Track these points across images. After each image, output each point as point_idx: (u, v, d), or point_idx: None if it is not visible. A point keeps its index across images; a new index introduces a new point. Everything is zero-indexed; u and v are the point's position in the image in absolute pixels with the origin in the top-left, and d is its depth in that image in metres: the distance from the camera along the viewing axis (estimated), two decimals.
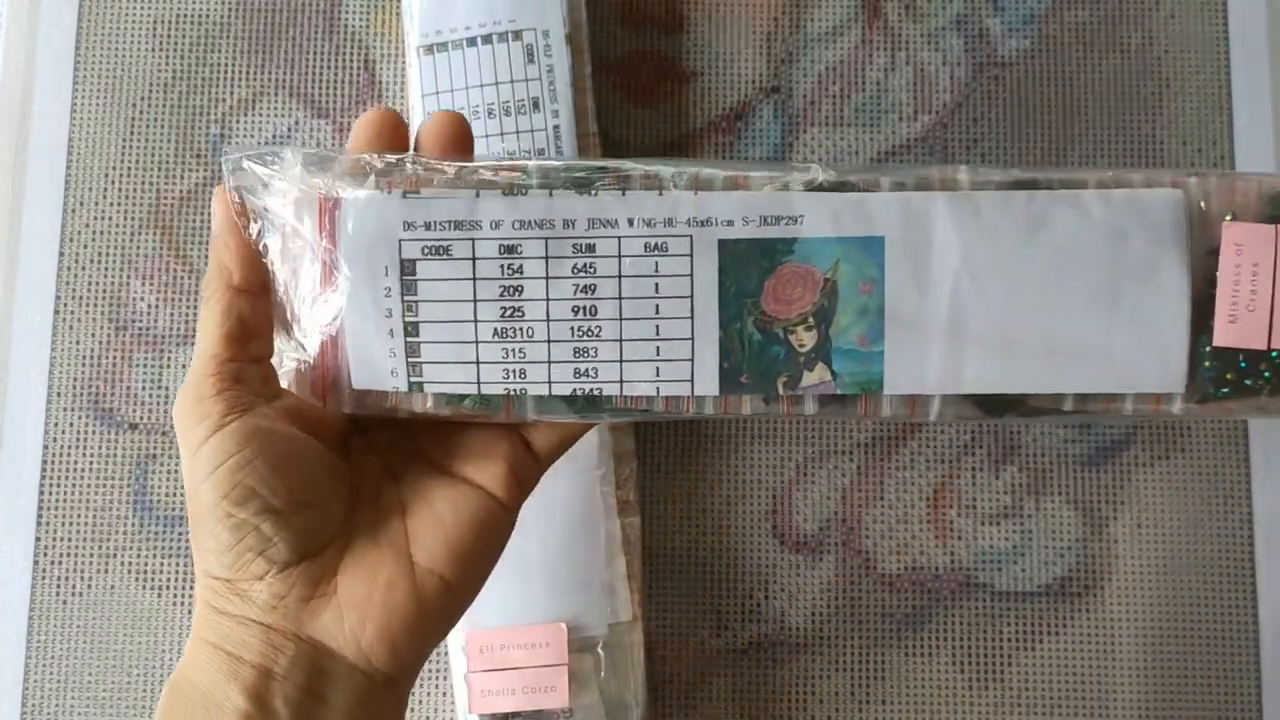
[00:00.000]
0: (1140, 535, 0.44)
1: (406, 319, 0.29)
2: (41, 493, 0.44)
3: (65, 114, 0.46)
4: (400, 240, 0.28)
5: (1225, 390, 0.28)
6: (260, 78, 0.47)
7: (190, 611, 0.44)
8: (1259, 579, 0.44)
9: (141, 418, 0.45)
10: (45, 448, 0.44)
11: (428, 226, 0.28)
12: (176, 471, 0.45)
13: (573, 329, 0.29)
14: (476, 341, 0.29)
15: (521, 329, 0.29)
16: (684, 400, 0.29)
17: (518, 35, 0.42)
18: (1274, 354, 0.28)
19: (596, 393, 0.29)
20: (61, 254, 0.46)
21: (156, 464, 0.45)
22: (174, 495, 0.44)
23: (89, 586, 0.44)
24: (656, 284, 0.28)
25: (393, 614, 0.28)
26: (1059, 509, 0.44)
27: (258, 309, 0.29)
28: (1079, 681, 0.43)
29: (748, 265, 0.28)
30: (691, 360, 0.29)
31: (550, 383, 0.29)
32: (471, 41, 0.42)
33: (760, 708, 0.43)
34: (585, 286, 0.28)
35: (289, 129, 0.46)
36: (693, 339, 0.28)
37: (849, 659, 0.44)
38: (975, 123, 0.46)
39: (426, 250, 0.28)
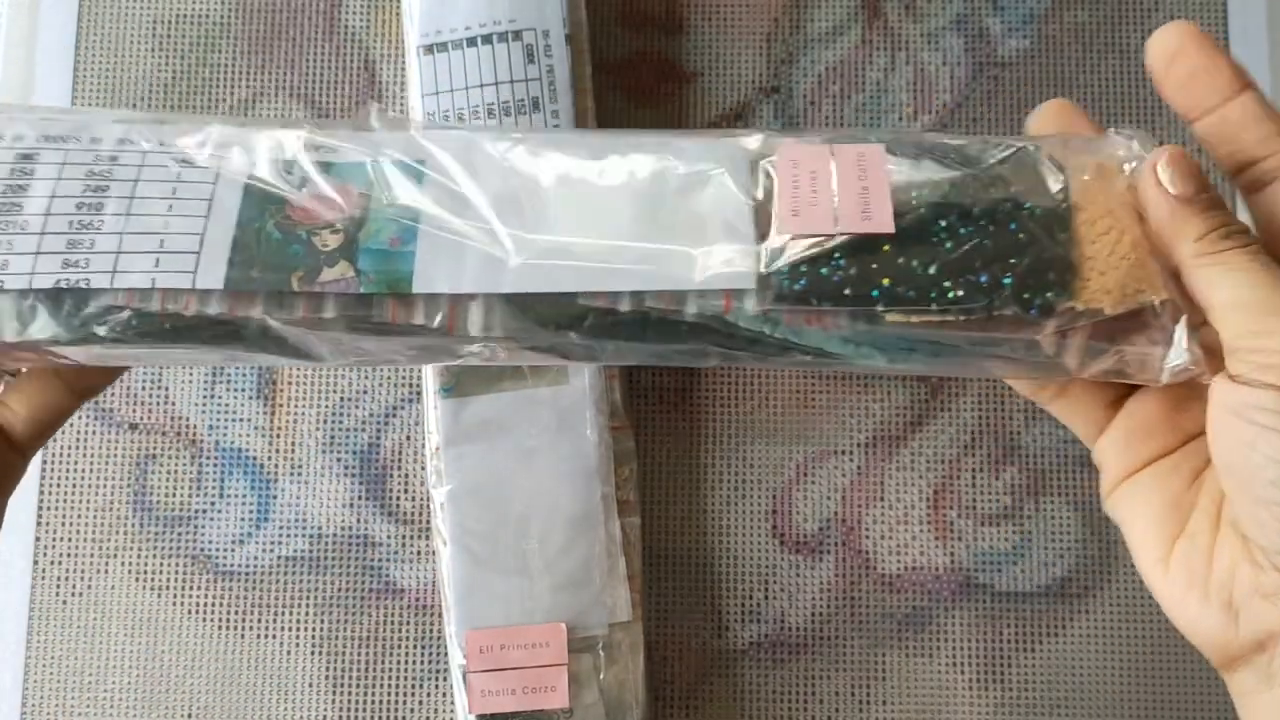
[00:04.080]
0: None
1: None
2: (41, 493, 0.44)
3: None
4: None
5: (802, 283, 0.26)
6: (260, 78, 0.47)
7: (190, 613, 0.44)
8: None
9: (141, 418, 0.45)
10: (45, 448, 0.44)
11: None
12: (177, 471, 0.45)
13: (71, 223, 0.27)
14: None
15: (13, 223, 0.27)
16: (185, 295, 0.26)
17: (518, 35, 0.42)
18: (843, 236, 0.26)
19: (84, 284, 0.26)
20: None
21: (156, 464, 0.45)
22: (174, 495, 0.44)
23: (89, 586, 0.44)
24: (175, 188, 0.27)
25: None
26: (1059, 510, 0.44)
27: None
28: (1079, 682, 0.43)
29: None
30: (199, 253, 0.27)
31: (33, 274, 0.26)
32: (471, 41, 0.42)
33: (760, 708, 0.43)
34: (97, 187, 0.27)
35: None
36: (204, 234, 0.27)
37: (849, 659, 0.44)
38: (975, 123, 0.47)
39: None
